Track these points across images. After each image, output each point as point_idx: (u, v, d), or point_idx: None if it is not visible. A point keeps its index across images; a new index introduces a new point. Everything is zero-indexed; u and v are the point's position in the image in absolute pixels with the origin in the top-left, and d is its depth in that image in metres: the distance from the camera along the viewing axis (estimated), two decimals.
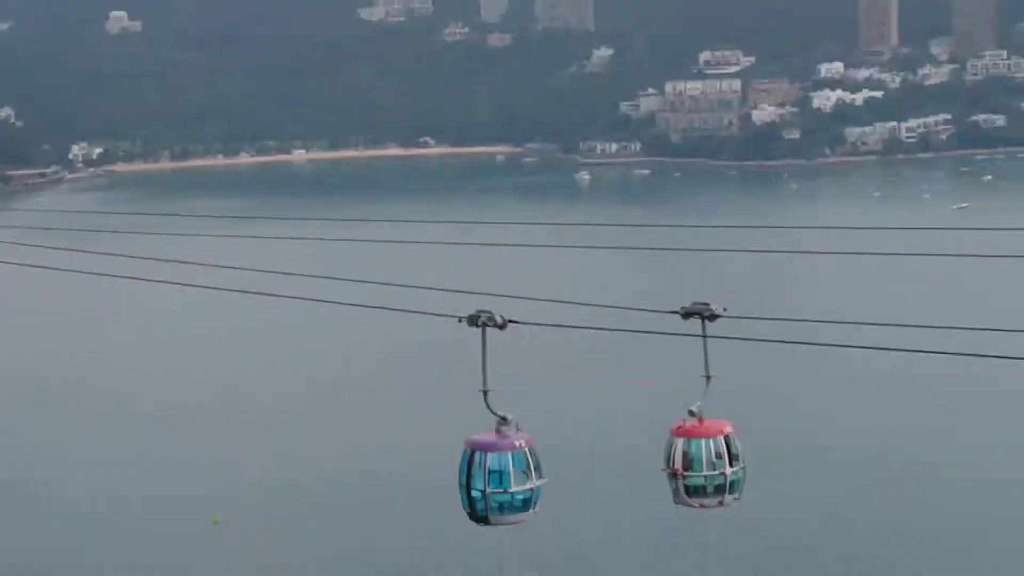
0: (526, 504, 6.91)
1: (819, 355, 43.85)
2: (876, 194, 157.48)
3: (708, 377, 7.04)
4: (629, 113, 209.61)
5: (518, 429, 6.83)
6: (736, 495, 7.13)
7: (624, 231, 77.59)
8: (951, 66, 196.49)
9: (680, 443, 7.08)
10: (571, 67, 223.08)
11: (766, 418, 50.41)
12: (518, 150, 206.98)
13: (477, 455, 6.83)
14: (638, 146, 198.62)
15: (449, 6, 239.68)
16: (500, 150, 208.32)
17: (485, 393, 6.90)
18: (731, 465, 7.00)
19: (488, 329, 6.84)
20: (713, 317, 6.46)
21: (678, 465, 7.07)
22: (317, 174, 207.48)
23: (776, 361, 58.28)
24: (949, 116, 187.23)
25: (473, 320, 6.88)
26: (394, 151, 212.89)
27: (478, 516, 6.96)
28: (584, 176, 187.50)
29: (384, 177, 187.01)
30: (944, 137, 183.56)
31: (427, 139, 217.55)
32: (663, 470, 7.22)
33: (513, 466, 6.77)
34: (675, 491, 7.22)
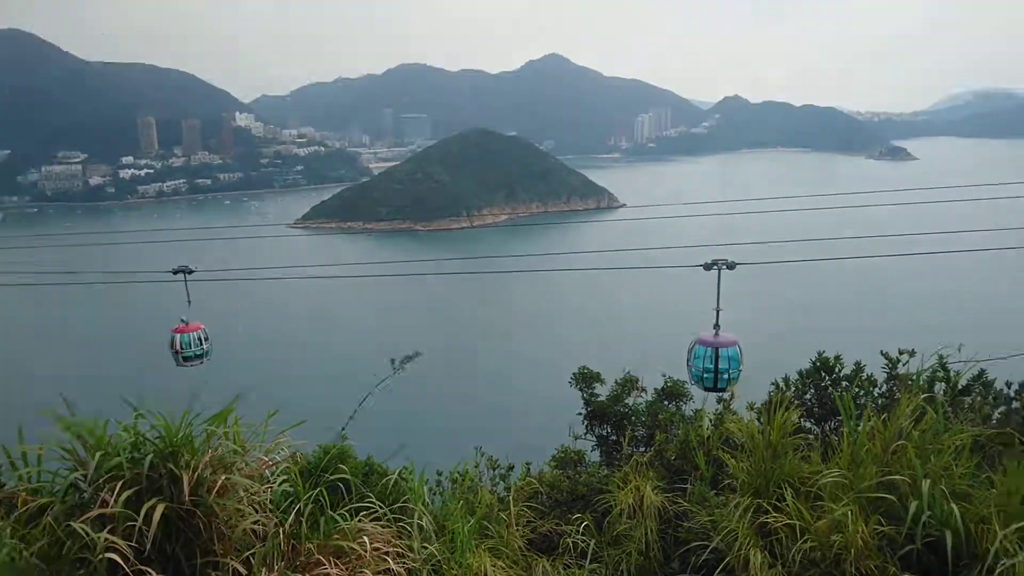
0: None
1: None
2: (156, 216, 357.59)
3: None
4: (20, 181, 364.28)
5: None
6: (206, 360, 13.19)
7: None
8: (182, 158, 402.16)
9: (179, 337, 13.00)
10: None
11: None
12: None
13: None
14: (28, 198, 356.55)
15: None
16: None
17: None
18: (205, 343, 13.18)
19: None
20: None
21: (179, 347, 13.05)
22: None
23: None
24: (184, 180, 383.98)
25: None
26: None
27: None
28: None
29: None
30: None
31: None
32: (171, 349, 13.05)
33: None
34: (176, 360, 13.06)
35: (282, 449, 6.71)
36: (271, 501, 6.22)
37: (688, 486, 8.24)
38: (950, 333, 10.48)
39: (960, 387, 9.98)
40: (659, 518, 7.82)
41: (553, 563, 7.45)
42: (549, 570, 7.30)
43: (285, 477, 6.47)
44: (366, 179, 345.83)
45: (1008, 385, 10.31)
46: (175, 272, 12.21)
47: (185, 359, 12.94)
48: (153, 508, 5.43)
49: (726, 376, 10.24)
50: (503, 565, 6.96)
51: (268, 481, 6.35)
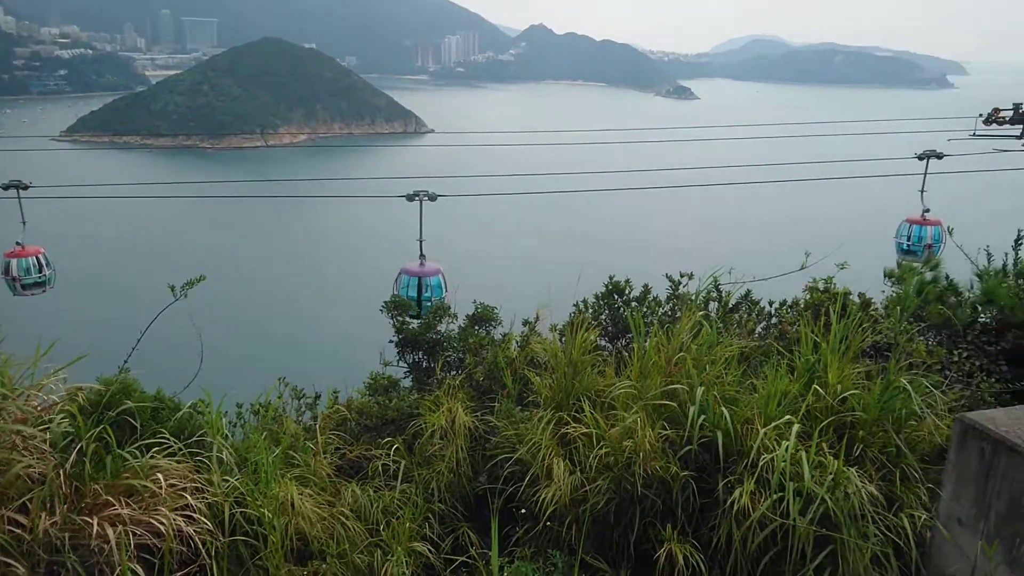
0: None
1: None
2: None
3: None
4: None
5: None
6: (48, 287, 11.53)
7: None
8: None
9: (14, 262, 11.42)
10: None
11: None
12: None
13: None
14: None
15: None
16: None
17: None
18: (47, 269, 11.55)
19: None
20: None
21: (15, 274, 11.44)
22: None
23: None
24: None
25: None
26: None
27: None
28: None
29: None
30: None
31: None
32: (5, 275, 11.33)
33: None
34: (13, 288, 11.46)
35: (59, 387, 6.06)
36: (49, 442, 5.63)
37: (496, 404, 8.58)
38: (726, 259, 11.59)
39: (730, 305, 11.16)
40: (469, 436, 8.10)
41: (363, 487, 7.49)
42: (359, 493, 7.32)
43: (62, 416, 5.87)
44: (142, 88, 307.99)
45: (769, 303, 11.67)
46: (6, 188, 10.21)
47: (24, 287, 11.25)
48: None
49: (429, 304, 10.62)
50: (311, 492, 6.88)
51: (45, 422, 5.72)
